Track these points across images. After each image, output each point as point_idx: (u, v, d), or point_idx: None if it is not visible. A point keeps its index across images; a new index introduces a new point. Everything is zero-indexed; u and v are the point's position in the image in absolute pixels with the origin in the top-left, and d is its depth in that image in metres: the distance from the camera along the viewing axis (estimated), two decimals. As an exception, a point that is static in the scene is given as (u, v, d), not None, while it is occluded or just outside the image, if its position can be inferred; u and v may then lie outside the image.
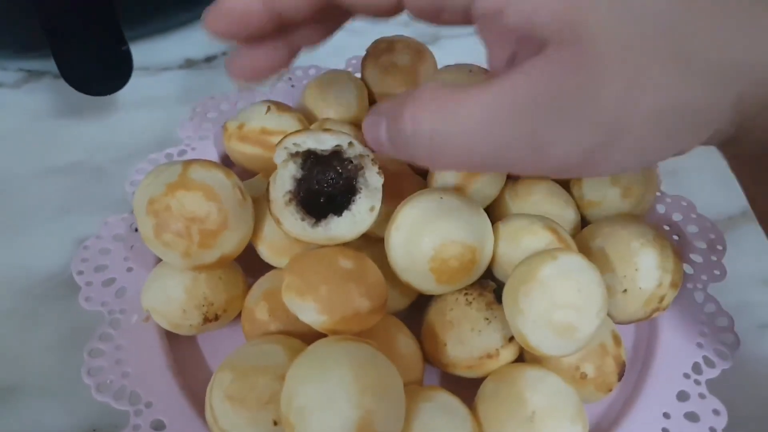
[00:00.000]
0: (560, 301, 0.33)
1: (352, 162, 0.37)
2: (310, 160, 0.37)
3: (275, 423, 0.32)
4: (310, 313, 0.33)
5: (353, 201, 0.37)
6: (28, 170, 0.56)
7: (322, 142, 0.36)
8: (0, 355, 0.43)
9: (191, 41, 0.72)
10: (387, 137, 0.27)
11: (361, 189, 0.37)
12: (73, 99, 0.62)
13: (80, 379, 0.37)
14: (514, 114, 0.23)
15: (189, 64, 0.70)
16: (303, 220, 0.37)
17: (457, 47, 0.66)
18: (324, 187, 0.37)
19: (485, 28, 0.30)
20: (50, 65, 0.66)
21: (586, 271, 0.34)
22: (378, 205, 0.37)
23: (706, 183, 0.58)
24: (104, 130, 0.61)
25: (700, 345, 0.40)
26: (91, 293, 0.41)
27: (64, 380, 0.42)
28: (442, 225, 0.36)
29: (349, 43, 0.74)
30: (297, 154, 0.37)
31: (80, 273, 0.42)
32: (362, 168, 0.37)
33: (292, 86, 0.57)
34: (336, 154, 0.37)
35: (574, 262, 0.34)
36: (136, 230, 0.43)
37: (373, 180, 0.37)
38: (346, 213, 0.37)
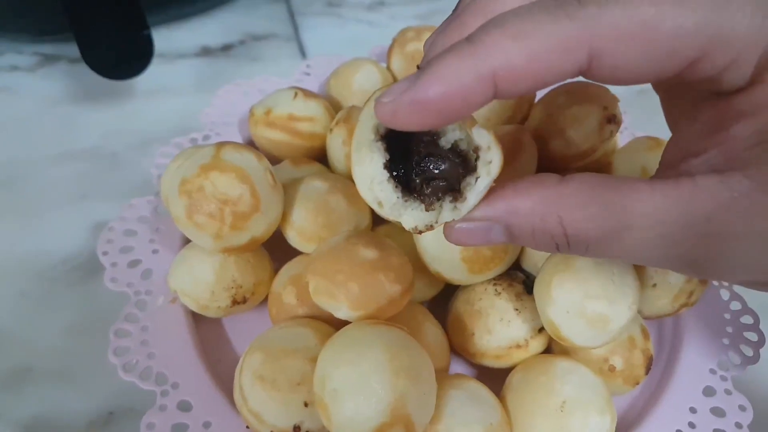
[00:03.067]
0: (594, 291, 0.33)
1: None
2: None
3: (306, 404, 0.32)
4: (344, 311, 0.33)
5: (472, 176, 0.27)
6: (44, 155, 0.56)
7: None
8: (15, 338, 0.43)
9: (208, 29, 0.72)
10: (507, 238, 0.25)
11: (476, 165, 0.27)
12: (89, 84, 0.62)
13: (96, 363, 0.37)
14: (696, 226, 0.21)
15: (205, 52, 0.70)
16: (411, 205, 0.28)
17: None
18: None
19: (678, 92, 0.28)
20: (66, 49, 0.66)
21: (620, 262, 0.34)
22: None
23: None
24: (120, 117, 0.61)
25: (725, 342, 0.40)
26: (116, 274, 0.40)
27: (80, 364, 0.42)
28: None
29: (369, 35, 0.74)
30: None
31: (105, 254, 0.41)
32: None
33: (308, 74, 0.57)
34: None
35: (608, 253, 0.34)
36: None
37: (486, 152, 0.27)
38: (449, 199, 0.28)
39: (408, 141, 0.28)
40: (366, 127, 0.28)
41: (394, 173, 0.28)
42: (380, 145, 0.28)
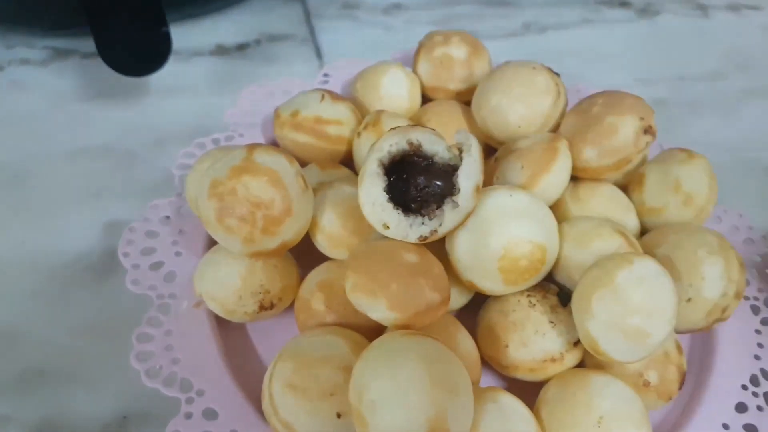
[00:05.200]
0: (634, 306, 0.32)
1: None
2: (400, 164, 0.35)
3: (339, 416, 0.31)
4: (381, 311, 0.32)
5: (454, 186, 0.34)
6: (57, 152, 0.54)
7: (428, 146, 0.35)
8: (27, 338, 0.42)
9: (223, 28, 0.71)
10: None
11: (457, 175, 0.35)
12: (102, 80, 0.61)
13: (111, 365, 0.36)
14: None
15: (220, 50, 0.69)
16: (413, 219, 0.35)
17: (498, 49, 0.66)
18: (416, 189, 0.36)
19: None
20: (78, 44, 0.65)
21: (661, 277, 0.33)
22: (481, 181, 0.35)
23: (740, 198, 0.58)
24: (134, 114, 0.59)
25: (757, 357, 0.40)
26: (138, 276, 0.39)
27: (93, 365, 0.41)
28: (512, 223, 0.35)
29: (385, 39, 0.74)
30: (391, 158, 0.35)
31: (126, 255, 0.40)
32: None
33: (327, 77, 0.56)
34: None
35: (649, 267, 0.33)
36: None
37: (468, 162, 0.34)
38: (447, 201, 0.35)
39: (406, 170, 0.35)
40: (372, 159, 0.35)
41: (392, 196, 0.34)
42: (382, 173, 0.34)
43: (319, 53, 0.69)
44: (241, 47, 0.69)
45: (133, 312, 0.39)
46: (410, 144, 0.35)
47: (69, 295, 0.44)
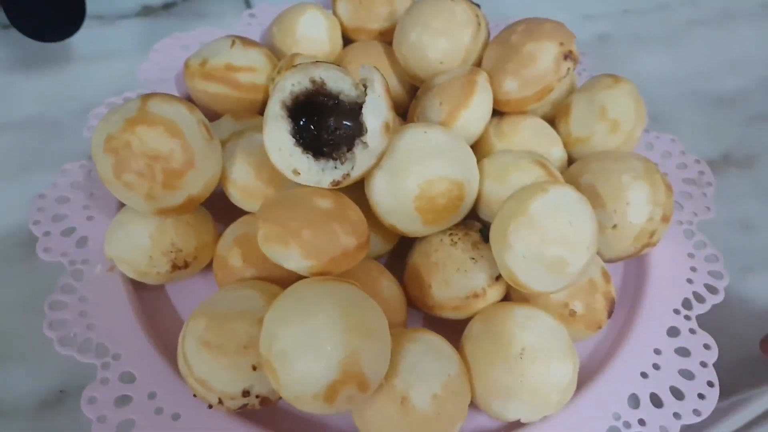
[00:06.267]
0: (551, 235, 0.31)
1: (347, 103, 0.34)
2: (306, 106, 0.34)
3: (254, 368, 0.30)
4: (295, 260, 0.31)
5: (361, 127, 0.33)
6: (-22, 127, 0.52)
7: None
8: (-42, 319, 0.40)
9: (147, -12, 0.68)
10: None
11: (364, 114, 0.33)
12: (23, 50, 0.58)
13: (44, 341, 0.35)
14: None
15: (146, 11, 0.66)
16: (324, 164, 0.34)
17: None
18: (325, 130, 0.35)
19: None
20: (-4, 16, 0.62)
21: (578, 203, 0.32)
22: (390, 118, 0.33)
23: (686, 129, 0.58)
24: (58, 83, 0.57)
25: (689, 281, 0.39)
26: (49, 244, 0.38)
27: (27, 342, 0.39)
28: (427, 161, 0.34)
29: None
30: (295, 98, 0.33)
31: (36, 223, 0.39)
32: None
33: (251, 24, 0.53)
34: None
35: (565, 194, 0.32)
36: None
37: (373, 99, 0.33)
38: (357, 142, 0.33)
39: (312, 111, 0.34)
40: (274, 101, 0.33)
41: (301, 140, 0.33)
42: (286, 115, 0.33)
43: (248, 4, 0.67)
44: (168, 6, 0.66)
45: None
46: (313, 82, 0.33)
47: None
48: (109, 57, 0.60)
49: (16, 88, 0.56)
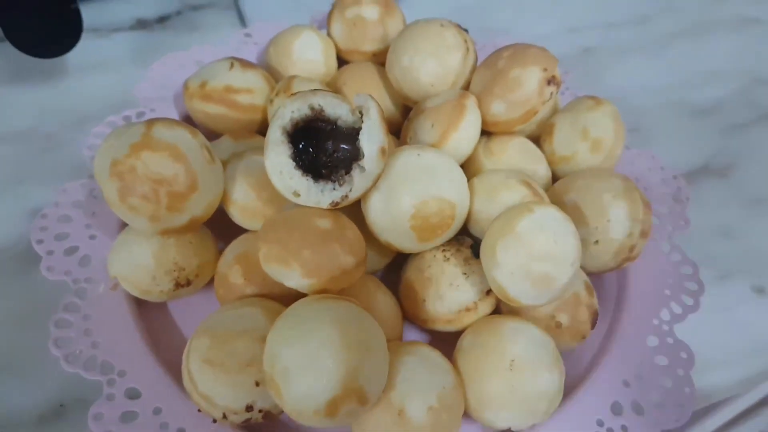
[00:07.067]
0: (537, 252, 0.33)
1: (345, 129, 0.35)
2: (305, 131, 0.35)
3: (257, 384, 0.32)
4: (296, 279, 0.32)
5: (358, 151, 0.34)
6: (-27, 140, 0.53)
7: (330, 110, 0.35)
8: (-44, 332, 0.41)
9: (142, 1, 0.69)
10: None
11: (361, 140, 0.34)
12: (18, 64, 0.58)
13: (44, 355, 0.36)
14: None
15: (141, 24, 0.67)
16: (323, 185, 0.35)
17: (424, 3, 0.65)
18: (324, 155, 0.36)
19: None
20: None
21: (561, 222, 0.34)
22: (385, 143, 0.35)
23: (666, 139, 0.60)
24: (54, 96, 0.57)
25: (667, 293, 0.41)
26: (53, 262, 0.39)
27: (25, 356, 0.40)
28: (421, 183, 0.36)
29: (311, 3, 0.72)
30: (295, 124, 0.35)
31: (40, 242, 0.39)
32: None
33: (247, 43, 0.55)
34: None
35: (549, 214, 0.34)
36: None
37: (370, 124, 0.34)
38: (355, 166, 0.34)
39: (311, 135, 0.35)
40: (275, 127, 0.34)
41: (301, 163, 0.34)
42: (286, 140, 0.34)
43: (243, 19, 0.68)
44: (162, 19, 0.67)
45: (61, 299, 0.38)
46: (312, 109, 0.34)
47: (-3, 286, 0.43)
48: (104, 69, 0.61)
49: (11, 101, 0.57)
